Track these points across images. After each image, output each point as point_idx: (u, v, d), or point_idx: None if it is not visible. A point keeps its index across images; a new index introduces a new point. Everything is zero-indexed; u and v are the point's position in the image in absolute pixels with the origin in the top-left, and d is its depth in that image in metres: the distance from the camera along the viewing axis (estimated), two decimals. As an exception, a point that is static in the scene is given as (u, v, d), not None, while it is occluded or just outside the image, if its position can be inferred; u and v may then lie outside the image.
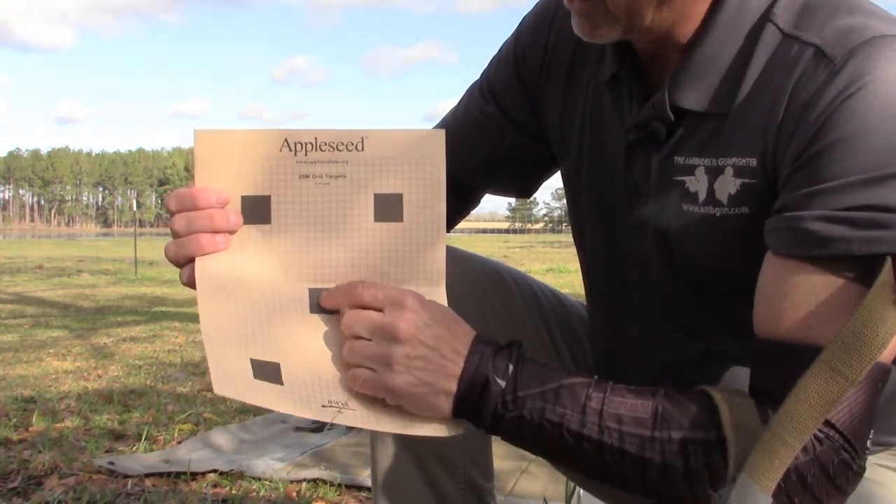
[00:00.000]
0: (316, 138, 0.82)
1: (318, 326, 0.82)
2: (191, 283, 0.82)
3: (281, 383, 0.79)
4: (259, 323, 0.81)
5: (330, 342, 0.82)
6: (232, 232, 0.81)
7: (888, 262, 0.70)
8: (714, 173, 0.82)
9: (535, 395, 0.76)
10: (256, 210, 0.82)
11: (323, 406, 0.79)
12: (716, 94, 0.81)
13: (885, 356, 0.72)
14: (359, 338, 0.78)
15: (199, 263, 0.81)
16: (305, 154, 0.82)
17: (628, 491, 0.78)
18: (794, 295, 0.73)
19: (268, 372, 0.79)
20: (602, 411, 0.75)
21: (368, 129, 0.83)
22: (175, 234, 0.81)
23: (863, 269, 0.71)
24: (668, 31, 0.82)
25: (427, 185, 0.83)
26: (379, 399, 0.80)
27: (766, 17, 0.80)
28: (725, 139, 0.81)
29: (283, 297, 0.82)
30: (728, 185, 0.81)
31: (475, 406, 0.77)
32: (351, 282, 0.81)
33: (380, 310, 0.78)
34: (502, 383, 0.76)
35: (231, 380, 0.77)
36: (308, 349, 0.81)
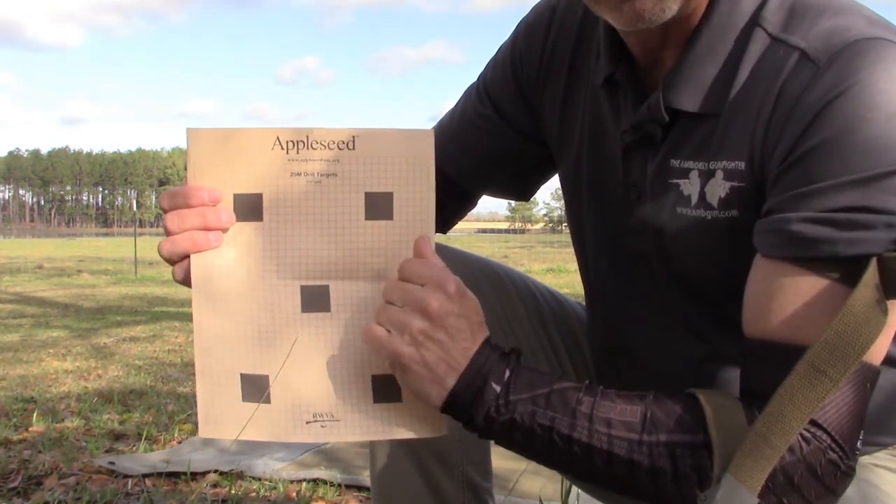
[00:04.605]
0: (307, 136, 0.82)
1: (308, 326, 0.83)
2: (184, 281, 0.83)
3: (268, 401, 0.81)
4: (251, 326, 0.82)
5: (319, 343, 0.83)
6: (224, 229, 0.82)
7: (873, 263, 0.70)
8: (706, 176, 0.83)
9: (526, 399, 0.77)
10: (249, 208, 0.83)
11: (307, 422, 0.81)
12: (708, 95, 0.82)
13: (873, 356, 0.73)
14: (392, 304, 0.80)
15: (195, 261, 0.82)
16: (297, 152, 0.82)
17: (618, 493, 0.79)
18: (780, 296, 0.74)
19: (256, 388, 0.81)
20: (592, 415, 0.76)
21: (359, 127, 0.84)
22: (168, 232, 0.82)
23: (848, 270, 0.71)
24: (691, 14, 0.81)
25: (417, 184, 0.84)
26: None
27: (755, 20, 0.80)
28: (716, 142, 0.82)
29: (275, 296, 0.83)
30: (718, 188, 0.82)
31: (468, 407, 0.78)
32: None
33: (422, 286, 0.79)
34: (497, 388, 0.77)
35: (218, 417, 0.80)
36: (297, 352, 0.83)
